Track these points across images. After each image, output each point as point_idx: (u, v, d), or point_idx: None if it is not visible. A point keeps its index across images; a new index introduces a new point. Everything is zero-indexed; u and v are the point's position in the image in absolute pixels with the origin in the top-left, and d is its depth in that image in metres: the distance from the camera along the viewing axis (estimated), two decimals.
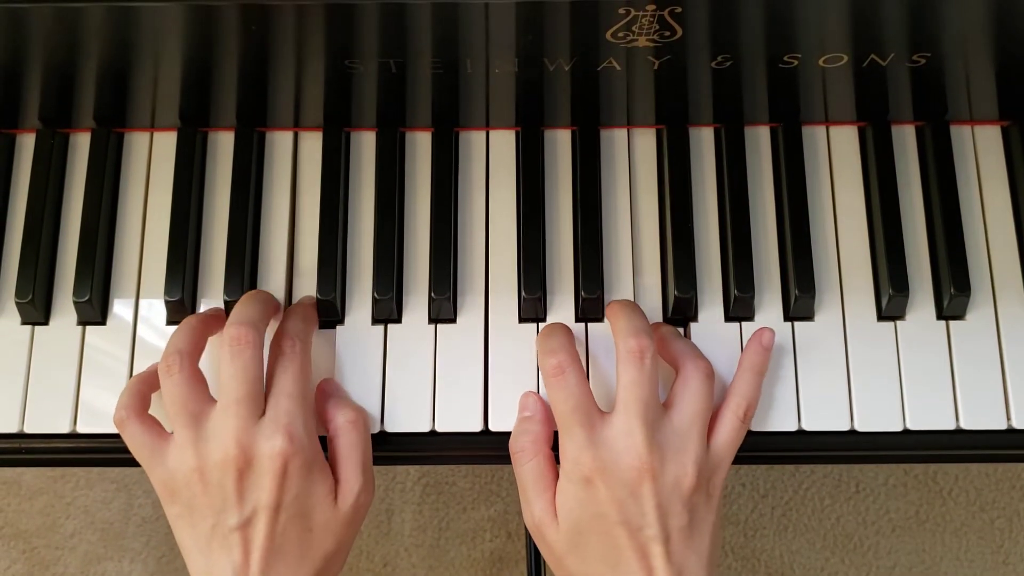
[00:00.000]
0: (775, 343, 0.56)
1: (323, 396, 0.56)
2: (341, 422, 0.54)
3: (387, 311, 0.57)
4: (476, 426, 0.56)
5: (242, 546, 0.50)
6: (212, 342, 0.56)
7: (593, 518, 0.50)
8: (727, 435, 0.53)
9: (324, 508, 0.51)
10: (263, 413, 0.51)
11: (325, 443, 0.54)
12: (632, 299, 0.58)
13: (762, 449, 0.57)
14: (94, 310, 0.57)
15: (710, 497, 0.51)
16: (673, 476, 0.50)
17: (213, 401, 0.52)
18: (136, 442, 0.52)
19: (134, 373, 0.57)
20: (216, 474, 0.50)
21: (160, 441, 0.52)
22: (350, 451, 0.53)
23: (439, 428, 0.56)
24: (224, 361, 0.51)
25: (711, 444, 0.52)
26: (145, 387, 0.54)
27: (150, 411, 0.54)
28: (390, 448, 0.56)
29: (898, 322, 0.58)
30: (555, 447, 0.54)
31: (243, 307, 0.54)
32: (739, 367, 0.55)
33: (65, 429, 0.56)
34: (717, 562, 0.52)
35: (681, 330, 0.58)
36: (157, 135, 0.61)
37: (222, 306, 0.58)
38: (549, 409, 0.55)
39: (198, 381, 0.52)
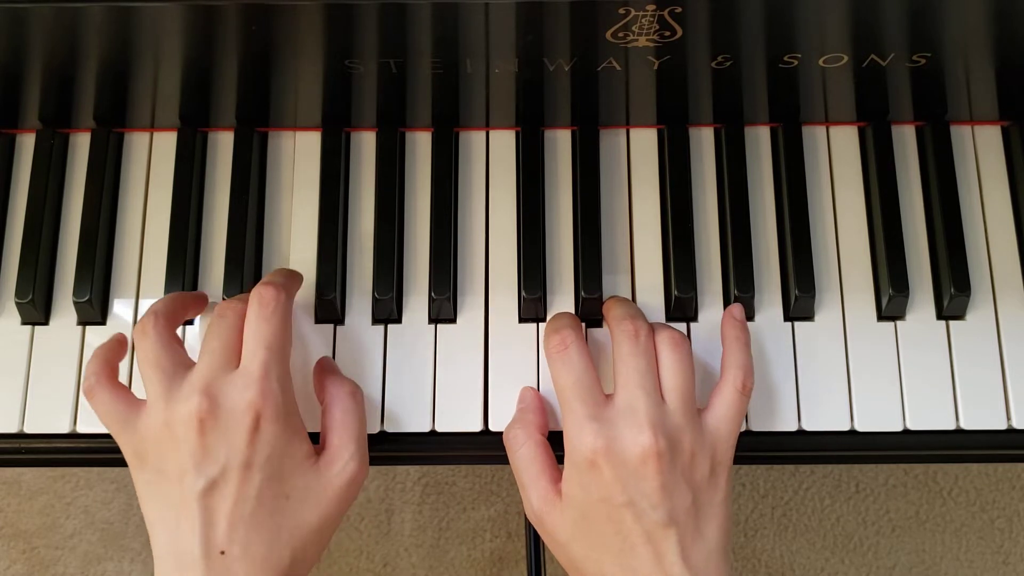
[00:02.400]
0: (774, 342, 0.56)
1: (320, 371, 0.55)
2: (338, 391, 0.52)
3: (387, 311, 0.57)
4: (476, 426, 0.56)
5: (208, 514, 0.47)
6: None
7: (599, 502, 0.49)
8: (726, 408, 0.52)
9: (302, 473, 0.49)
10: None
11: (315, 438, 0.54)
12: (632, 299, 0.58)
13: (762, 449, 0.57)
14: (94, 310, 0.57)
15: (715, 475, 0.50)
16: (673, 453, 0.49)
17: (190, 363, 0.50)
18: (106, 408, 0.50)
19: (134, 373, 0.57)
20: (181, 428, 0.47)
21: (131, 407, 0.50)
22: (344, 417, 0.51)
23: (439, 428, 0.56)
24: (210, 323, 0.51)
25: (709, 418, 0.51)
26: (112, 354, 0.52)
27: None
28: (390, 448, 0.56)
29: (898, 322, 0.58)
30: (554, 444, 0.54)
31: (240, 295, 0.54)
32: (724, 343, 0.54)
33: (65, 429, 0.56)
34: (729, 545, 0.51)
35: (683, 327, 0.57)
36: (157, 135, 0.61)
37: None
38: (543, 401, 0.55)
39: (173, 341, 0.51)
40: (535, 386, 0.56)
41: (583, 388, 0.50)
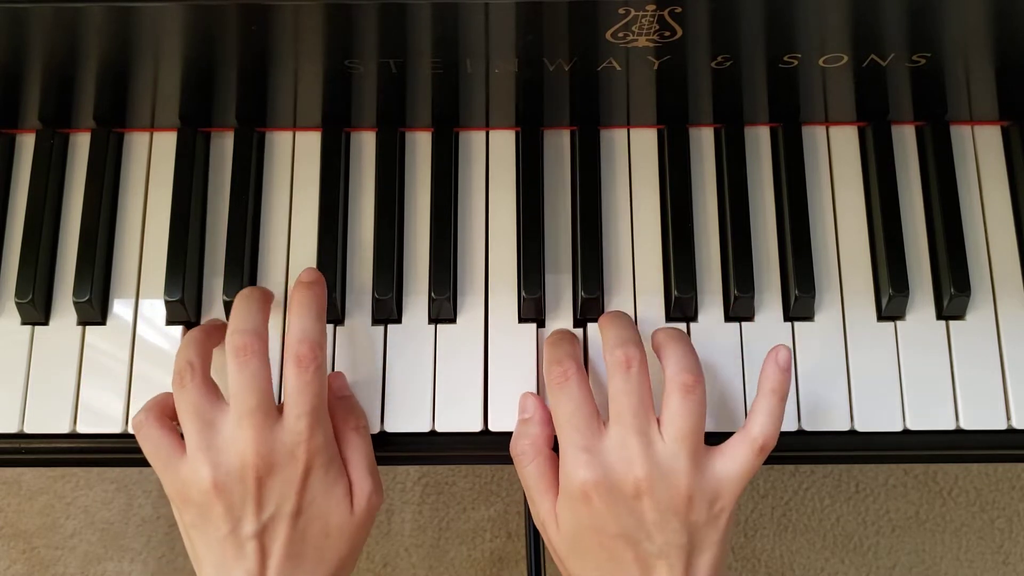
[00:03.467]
0: (774, 342, 0.56)
1: (331, 394, 0.55)
2: (344, 428, 0.54)
3: (387, 311, 0.57)
4: (476, 426, 0.56)
5: (259, 553, 0.50)
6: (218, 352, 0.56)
7: (591, 530, 0.50)
8: (737, 464, 0.50)
9: (341, 512, 0.52)
10: (278, 415, 0.51)
11: None
12: (632, 299, 0.58)
13: None
14: (94, 310, 0.57)
15: (715, 520, 0.50)
16: (667, 493, 0.49)
17: (225, 405, 0.51)
18: (152, 445, 0.51)
19: (134, 373, 0.57)
20: (235, 482, 0.49)
21: (176, 449, 0.51)
22: (355, 454, 0.53)
23: (439, 428, 0.56)
24: (232, 373, 0.51)
25: (716, 468, 0.50)
26: (172, 399, 0.53)
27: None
28: (390, 448, 0.56)
29: (898, 322, 0.58)
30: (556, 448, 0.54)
31: (241, 311, 0.52)
32: (760, 390, 0.52)
33: (65, 429, 0.56)
34: (722, 570, 0.51)
35: (683, 327, 0.57)
36: (157, 135, 0.61)
37: (222, 306, 0.58)
38: (548, 410, 0.55)
39: (211, 389, 0.52)
40: (534, 387, 0.56)
41: (580, 418, 0.51)
